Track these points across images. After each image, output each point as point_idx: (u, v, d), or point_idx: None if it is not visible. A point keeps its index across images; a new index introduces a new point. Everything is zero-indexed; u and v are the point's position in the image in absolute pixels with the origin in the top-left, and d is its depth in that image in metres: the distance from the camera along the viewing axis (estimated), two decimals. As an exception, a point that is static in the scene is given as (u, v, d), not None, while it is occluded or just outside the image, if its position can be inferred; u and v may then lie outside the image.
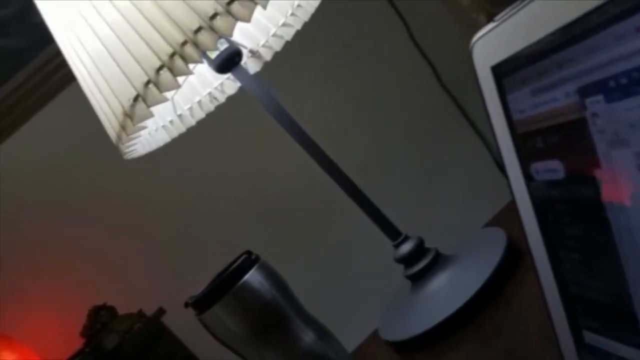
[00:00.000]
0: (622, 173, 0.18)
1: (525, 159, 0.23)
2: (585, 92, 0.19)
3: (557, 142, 0.21)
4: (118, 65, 0.44)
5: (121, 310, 1.02)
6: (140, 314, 1.00)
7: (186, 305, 0.44)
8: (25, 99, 1.08)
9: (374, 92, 1.18)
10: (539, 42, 0.21)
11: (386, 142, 1.19)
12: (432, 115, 1.13)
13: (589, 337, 0.24)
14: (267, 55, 0.59)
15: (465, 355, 0.45)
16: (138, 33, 0.43)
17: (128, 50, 0.43)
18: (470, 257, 0.51)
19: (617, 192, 0.19)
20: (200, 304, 0.43)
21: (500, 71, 0.23)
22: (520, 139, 0.23)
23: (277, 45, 0.58)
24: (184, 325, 1.04)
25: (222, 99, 0.62)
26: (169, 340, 1.02)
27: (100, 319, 0.96)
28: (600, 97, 0.18)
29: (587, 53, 0.18)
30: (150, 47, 0.42)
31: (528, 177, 0.24)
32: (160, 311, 1.04)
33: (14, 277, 1.10)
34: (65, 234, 1.13)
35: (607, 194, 0.19)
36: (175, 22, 0.42)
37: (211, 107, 0.62)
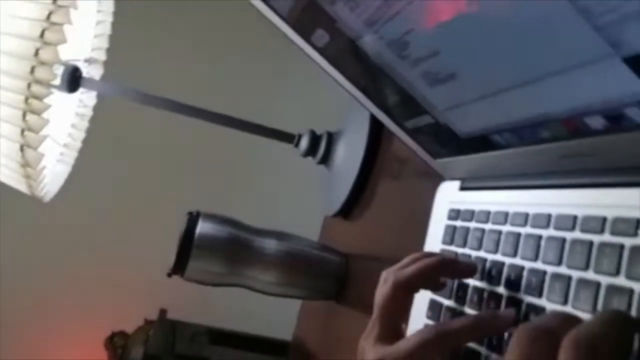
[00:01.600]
0: (347, 19, 0.27)
1: (307, 38, 0.32)
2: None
3: (312, 17, 0.30)
4: (-9, 135, 0.48)
5: (129, 329, 1.09)
6: (147, 322, 1.08)
7: (169, 275, 0.52)
8: None
9: (213, 36, 1.26)
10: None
11: (242, 71, 1.29)
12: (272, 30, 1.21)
13: (408, 124, 0.35)
14: (102, 56, 0.64)
15: (385, 188, 0.57)
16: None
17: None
18: (353, 124, 0.61)
19: (354, 32, 0.28)
20: (178, 267, 0.51)
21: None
22: (295, 26, 0.32)
23: (104, 43, 0.62)
24: (187, 310, 1.15)
25: (89, 112, 0.67)
26: (184, 328, 1.11)
27: (117, 344, 1.04)
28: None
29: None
30: (7, 104, 0.47)
31: (316, 48, 0.33)
32: (163, 311, 1.13)
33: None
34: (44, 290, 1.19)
35: (351, 35, 0.29)
36: (12, 74, 0.47)
37: (86, 124, 0.67)
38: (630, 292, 0.22)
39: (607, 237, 0.24)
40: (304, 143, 0.61)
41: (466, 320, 0.27)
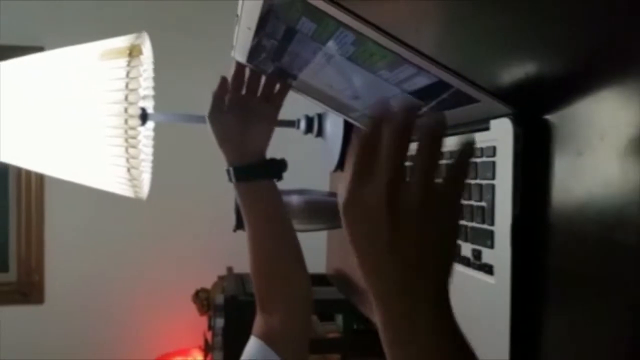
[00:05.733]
0: (300, 74, 0.56)
1: (284, 81, 0.61)
2: None
3: (284, 74, 0.59)
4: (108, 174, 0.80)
5: (208, 286, 1.46)
6: (220, 277, 1.44)
7: (234, 230, 0.84)
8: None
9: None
10: None
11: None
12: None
13: (352, 115, 0.64)
14: (151, 92, 0.94)
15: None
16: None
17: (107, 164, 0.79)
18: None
19: (306, 80, 0.57)
20: (239, 225, 0.83)
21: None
22: (277, 76, 0.61)
23: (150, 83, 0.92)
24: (247, 266, 1.52)
25: (151, 133, 0.98)
26: (248, 277, 1.46)
27: (202, 297, 1.40)
28: None
29: None
30: (115, 145, 0.78)
31: (291, 87, 0.62)
32: (229, 268, 1.48)
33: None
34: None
35: (306, 80, 0.58)
36: (116, 126, 0.78)
37: (151, 142, 0.98)
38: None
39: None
40: (303, 125, 0.91)
41: None
